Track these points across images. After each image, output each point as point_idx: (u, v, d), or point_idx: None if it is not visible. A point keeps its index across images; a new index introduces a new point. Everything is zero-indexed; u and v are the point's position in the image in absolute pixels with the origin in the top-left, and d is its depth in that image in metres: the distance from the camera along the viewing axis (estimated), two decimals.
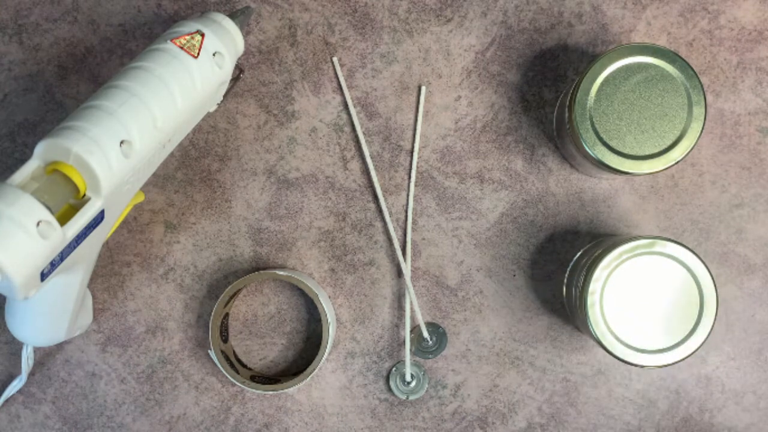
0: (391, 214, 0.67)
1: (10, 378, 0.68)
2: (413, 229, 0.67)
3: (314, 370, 0.63)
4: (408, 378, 0.66)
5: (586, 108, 0.58)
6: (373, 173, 0.66)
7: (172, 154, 0.67)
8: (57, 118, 0.67)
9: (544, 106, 0.67)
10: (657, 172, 0.58)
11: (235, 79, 0.61)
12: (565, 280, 0.66)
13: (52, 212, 0.48)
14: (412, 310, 0.67)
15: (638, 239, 0.58)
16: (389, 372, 0.67)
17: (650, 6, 0.66)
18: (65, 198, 0.50)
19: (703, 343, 0.58)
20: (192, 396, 0.67)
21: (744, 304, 0.66)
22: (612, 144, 0.58)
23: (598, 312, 0.58)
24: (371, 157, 0.67)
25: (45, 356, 0.67)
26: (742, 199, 0.66)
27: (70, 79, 0.67)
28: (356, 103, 0.67)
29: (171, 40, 0.56)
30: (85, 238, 0.52)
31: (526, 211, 0.67)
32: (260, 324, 0.67)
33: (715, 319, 0.58)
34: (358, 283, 0.67)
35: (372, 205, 0.67)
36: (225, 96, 0.61)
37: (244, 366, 0.67)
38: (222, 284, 0.67)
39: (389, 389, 0.67)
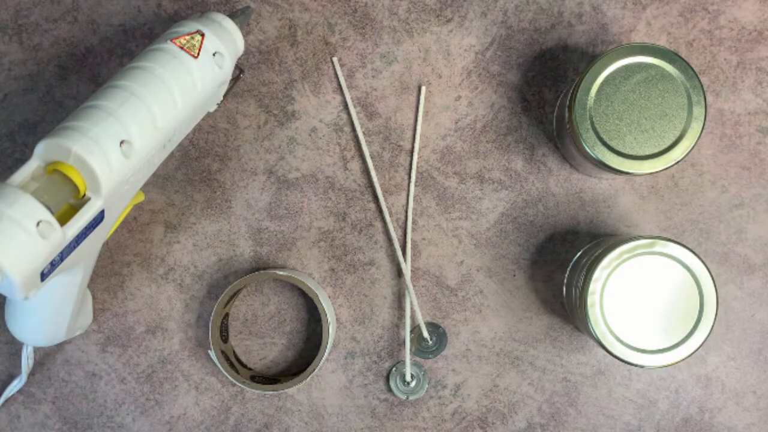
0: (391, 214, 0.67)
1: (10, 378, 0.68)
2: (413, 229, 0.67)
3: (314, 370, 0.63)
4: (408, 378, 0.66)
5: (586, 108, 0.58)
6: (373, 173, 0.66)
7: (172, 154, 0.67)
8: (57, 118, 0.67)
9: (544, 106, 0.66)
10: (657, 172, 0.58)
11: (235, 79, 0.61)
12: (565, 280, 0.66)
13: (52, 212, 0.48)
14: (412, 310, 0.67)
15: (638, 239, 0.58)
16: (389, 372, 0.67)
17: (650, 6, 0.66)
18: (65, 198, 0.50)
19: (703, 343, 0.58)
20: (192, 396, 0.67)
21: (744, 304, 0.66)
22: (612, 144, 0.58)
23: (598, 312, 0.58)
24: (371, 157, 0.67)
25: (45, 356, 0.67)
26: (742, 199, 0.66)
27: (70, 79, 0.67)
28: (356, 103, 0.67)
29: (171, 40, 0.56)
30: (85, 238, 0.52)
31: (526, 211, 0.67)
32: (260, 324, 0.67)
33: (715, 319, 0.58)
34: (358, 283, 0.67)
35: (372, 205, 0.67)
36: (225, 96, 0.61)
37: (244, 366, 0.67)
38: (222, 284, 0.67)
39: (389, 389, 0.67)
